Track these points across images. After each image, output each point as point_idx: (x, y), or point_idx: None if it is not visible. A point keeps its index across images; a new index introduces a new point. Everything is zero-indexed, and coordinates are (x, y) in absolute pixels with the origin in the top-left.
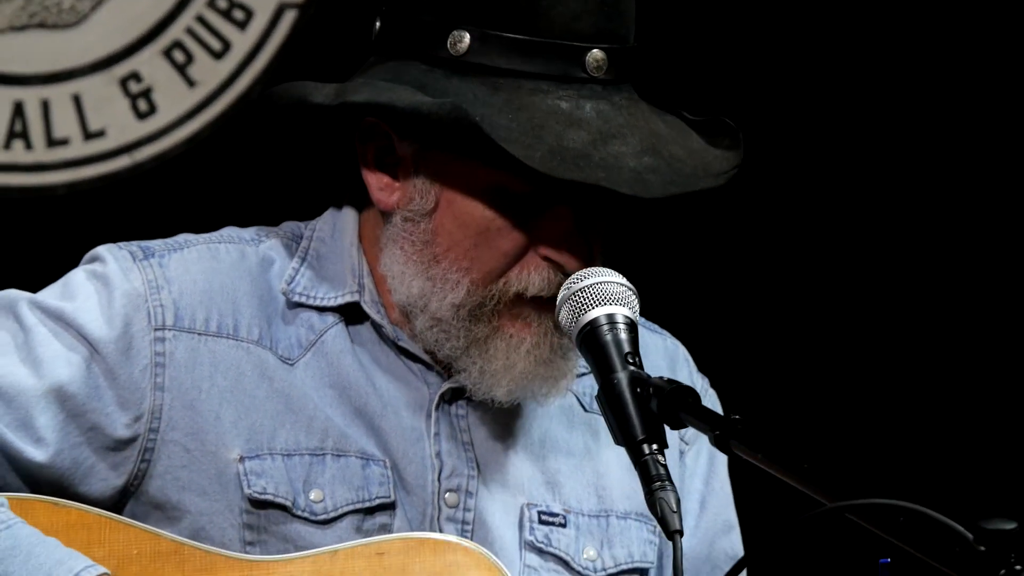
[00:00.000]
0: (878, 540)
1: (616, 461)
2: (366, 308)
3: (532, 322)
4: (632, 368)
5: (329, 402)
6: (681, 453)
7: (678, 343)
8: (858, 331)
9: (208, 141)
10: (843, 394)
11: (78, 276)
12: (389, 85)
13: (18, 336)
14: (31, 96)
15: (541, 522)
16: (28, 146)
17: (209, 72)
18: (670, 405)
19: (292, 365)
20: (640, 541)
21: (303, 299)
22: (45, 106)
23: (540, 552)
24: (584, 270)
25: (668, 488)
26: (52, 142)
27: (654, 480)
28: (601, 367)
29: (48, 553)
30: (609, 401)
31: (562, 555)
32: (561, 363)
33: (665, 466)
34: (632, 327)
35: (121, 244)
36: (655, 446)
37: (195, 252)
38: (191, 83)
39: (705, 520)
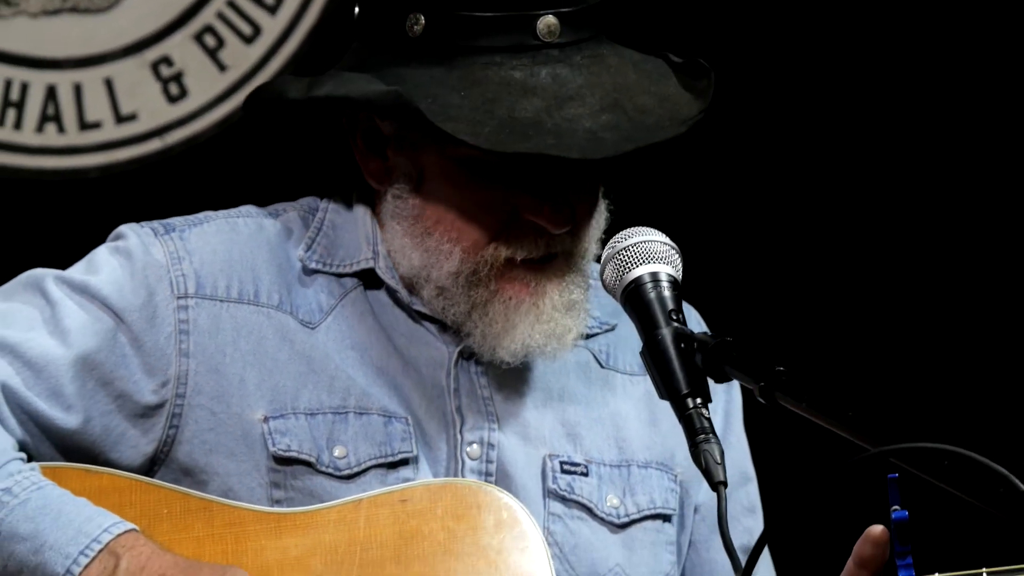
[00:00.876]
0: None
1: (634, 414)
2: (380, 274)
3: (529, 283)
4: (676, 324)
5: (351, 363)
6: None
7: (690, 308)
8: (887, 277)
9: (238, 125)
10: (877, 341)
11: (102, 252)
12: (350, 76)
13: (45, 310)
14: (64, 80)
15: (563, 471)
16: (61, 129)
17: (240, 56)
18: (714, 359)
19: (313, 329)
20: (661, 489)
21: (320, 266)
22: (77, 90)
23: (564, 500)
24: (627, 230)
25: (712, 441)
26: (84, 125)
27: (698, 433)
28: (645, 324)
29: (78, 511)
30: (653, 357)
31: (585, 502)
32: (563, 319)
33: (709, 419)
34: (675, 285)
35: (143, 223)
36: (699, 400)
37: (214, 225)
38: (222, 67)
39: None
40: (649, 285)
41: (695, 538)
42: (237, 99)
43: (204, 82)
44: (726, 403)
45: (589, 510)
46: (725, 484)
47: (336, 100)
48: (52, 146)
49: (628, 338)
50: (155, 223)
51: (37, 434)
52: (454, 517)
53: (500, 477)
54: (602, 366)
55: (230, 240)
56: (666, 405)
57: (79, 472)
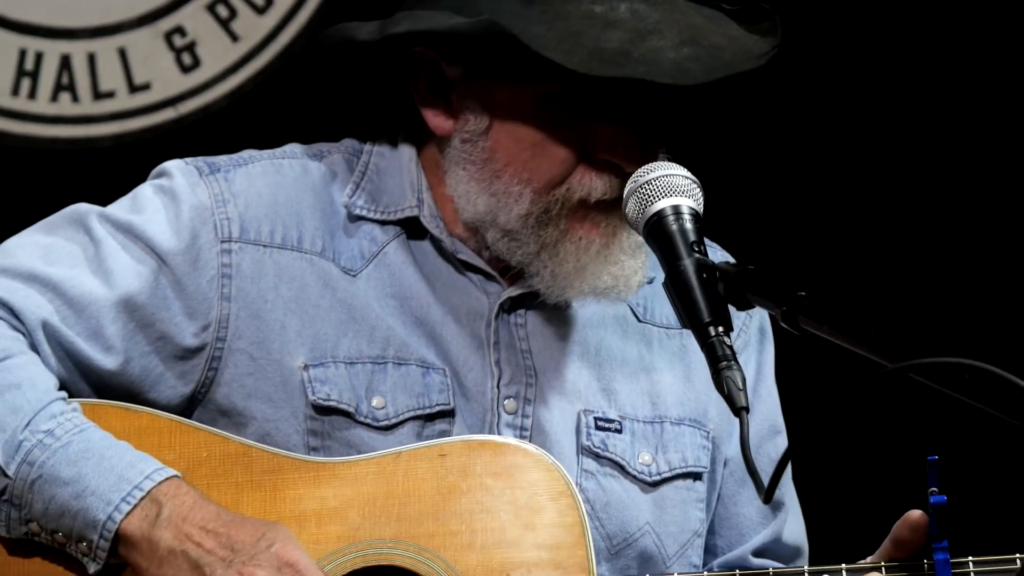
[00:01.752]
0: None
1: (668, 369)
2: (425, 223)
3: (600, 223)
4: (697, 255)
5: (391, 312)
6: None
7: (727, 255)
8: (902, 199)
9: (251, 95)
10: (892, 262)
11: (146, 190)
12: (427, 13)
13: (88, 248)
14: (78, 49)
15: (597, 428)
16: (75, 99)
17: (252, 27)
18: (736, 286)
19: (354, 276)
20: (694, 446)
21: (364, 212)
22: (91, 59)
23: (597, 456)
24: (650, 164)
25: (734, 367)
26: (98, 95)
27: (720, 360)
28: (667, 255)
29: (120, 456)
30: (676, 287)
31: (618, 459)
32: (630, 261)
33: (731, 347)
34: (697, 218)
35: (188, 160)
36: (721, 328)
37: (259, 167)
38: (234, 37)
39: (752, 426)
40: (671, 218)
41: (723, 492)
42: (250, 69)
43: (217, 52)
44: (758, 357)
45: (622, 467)
46: (747, 409)
47: (416, 35)
48: (66, 115)
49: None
50: (200, 161)
51: (75, 372)
52: (492, 475)
53: (535, 432)
54: (639, 319)
55: (275, 184)
56: (700, 360)
57: (119, 411)
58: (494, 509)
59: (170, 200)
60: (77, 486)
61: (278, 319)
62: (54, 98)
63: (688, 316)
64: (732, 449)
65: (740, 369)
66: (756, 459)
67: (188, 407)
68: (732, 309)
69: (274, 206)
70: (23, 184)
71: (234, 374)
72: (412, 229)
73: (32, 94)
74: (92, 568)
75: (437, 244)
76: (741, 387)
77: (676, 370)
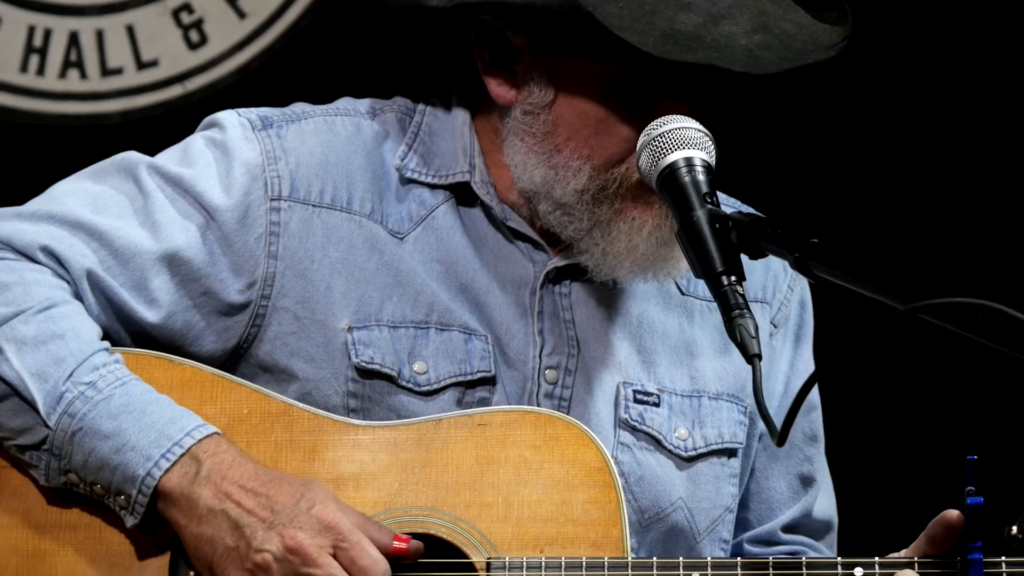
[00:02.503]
0: None
1: (709, 343)
2: (475, 188)
3: (654, 204)
4: (710, 206)
5: (436, 276)
6: (770, 335)
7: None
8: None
9: (258, 72)
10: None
11: (197, 142)
12: None
13: (136, 200)
14: (86, 26)
15: (636, 401)
16: (83, 75)
17: (259, 4)
18: (749, 235)
19: (402, 239)
20: (730, 422)
21: (415, 175)
22: (100, 36)
23: (633, 430)
24: (662, 118)
25: (747, 315)
26: (106, 71)
27: (733, 309)
28: (680, 206)
29: (161, 412)
30: (689, 237)
31: (654, 434)
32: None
33: (743, 295)
34: (709, 170)
35: (240, 111)
36: (733, 278)
37: (312, 124)
38: (241, 15)
39: (788, 400)
40: (684, 170)
41: (756, 466)
42: (256, 47)
43: (224, 29)
44: (797, 327)
45: (658, 442)
46: (760, 357)
47: (491, 5)
48: (74, 92)
49: None
50: (252, 114)
51: (118, 323)
52: (531, 447)
53: (575, 403)
54: (683, 292)
55: (328, 142)
56: None
57: (162, 362)
58: (531, 482)
59: (221, 154)
60: (117, 440)
61: (324, 280)
62: (62, 75)
63: (701, 266)
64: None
65: (752, 317)
66: (791, 437)
67: (229, 361)
68: (775, 281)
69: (325, 166)
70: (31, 160)
71: (277, 332)
72: (462, 194)
73: (40, 71)
74: (130, 522)
75: (486, 210)
76: (754, 335)
77: (716, 344)
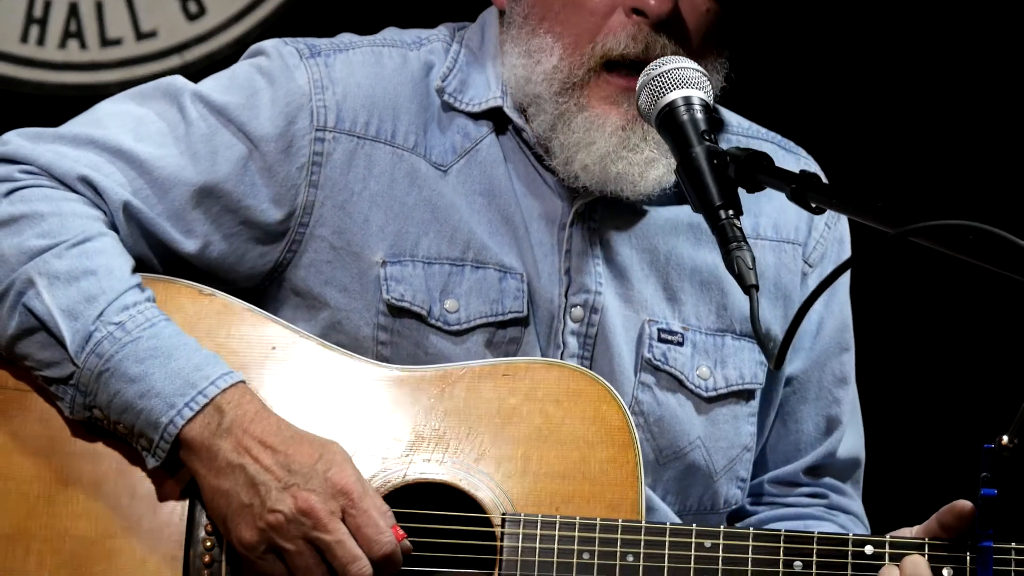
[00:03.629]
0: None
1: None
2: (508, 112)
3: (621, 105)
4: (708, 143)
5: (478, 209)
6: (804, 275)
7: (810, 159)
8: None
9: (255, 43)
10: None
11: (244, 70)
12: None
13: (179, 128)
14: None
15: (660, 340)
16: (83, 45)
17: None
18: (747, 169)
19: (445, 172)
20: (752, 363)
21: (453, 100)
22: (99, 7)
23: (656, 369)
24: (662, 58)
25: (744, 248)
26: (106, 42)
27: (731, 241)
28: (679, 144)
29: (187, 357)
30: (688, 173)
31: (676, 374)
32: (650, 152)
33: (740, 228)
34: (707, 108)
35: (287, 40)
36: (731, 211)
37: (360, 54)
38: None
39: (821, 341)
40: (682, 108)
41: (785, 410)
42: (254, 18)
43: (222, 0)
44: (835, 265)
45: (679, 382)
46: (757, 287)
47: None
48: (74, 62)
49: (743, 197)
50: (300, 43)
51: (153, 253)
52: (554, 402)
53: (599, 341)
54: None
55: (375, 74)
56: (770, 276)
57: (192, 292)
58: (551, 438)
59: (267, 83)
60: (143, 385)
61: (362, 212)
62: (62, 45)
63: (700, 200)
64: (795, 367)
65: (750, 249)
66: (821, 376)
67: (262, 284)
68: (810, 221)
69: (372, 97)
70: None
71: (313, 259)
72: (500, 125)
73: (41, 41)
74: (151, 463)
75: (521, 143)
76: (751, 266)
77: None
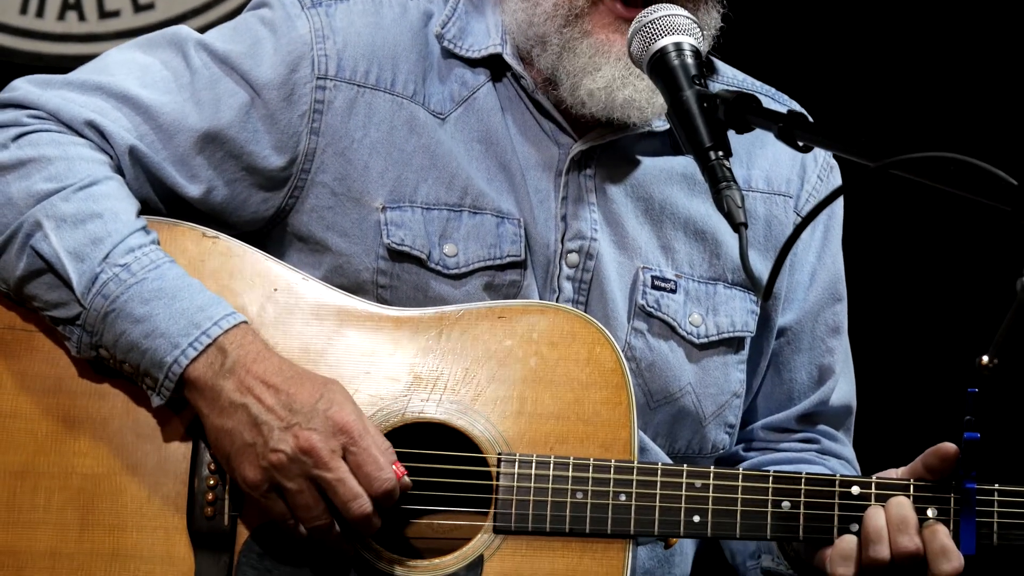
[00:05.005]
0: None
1: (731, 232)
2: (507, 59)
3: (624, 32)
4: (698, 87)
5: (476, 155)
6: (787, 236)
7: (803, 111)
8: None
9: None
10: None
11: (247, 20)
12: None
13: (183, 76)
14: None
15: (653, 287)
16: (81, 17)
17: None
18: (736, 110)
19: (443, 120)
20: (743, 311)
21: (452, 47)
22: None
23: (648, 316)
24: (653, 6)
25: (733, 187)
26: (104, 14)
27: (720, 181)
28: (670, 88)
29: (191, 298)
30: (679, 116)
31: (669, 320)
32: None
33: (730, 169)
34: (697, 54)
35: None
36: (720, 152)
37: (360, 4)
38: None
39: (813, 292)
40: (673, 54)
41: (778, 360)
42: None
43: None
44: (827, 218)
45: (672, 328)
46: (746, 225)
47: None
48: (73, 33)
49: (736, 152)
50: None
51: (158, 197)
52: (548, 343)
53: (594, 287)
54: None
55: (375, 24)
56: (761, 227)
57: (195, 234)
58: (546, 379)
59: (270, 32)
60: (147, 325)
61: (363, 159)
62: (61, 16)
63: (690, 142)
64: (787, 318)
65: (739, 189)
66: (814, 326)
67: (265, 228)
68: (802, 173)
69: (372, 46)
70: None
71: (314, 205)
72: (498, 72)
73: (40, 12)
74: (156, 402)
75: (519, 86)
76: (740, 205)
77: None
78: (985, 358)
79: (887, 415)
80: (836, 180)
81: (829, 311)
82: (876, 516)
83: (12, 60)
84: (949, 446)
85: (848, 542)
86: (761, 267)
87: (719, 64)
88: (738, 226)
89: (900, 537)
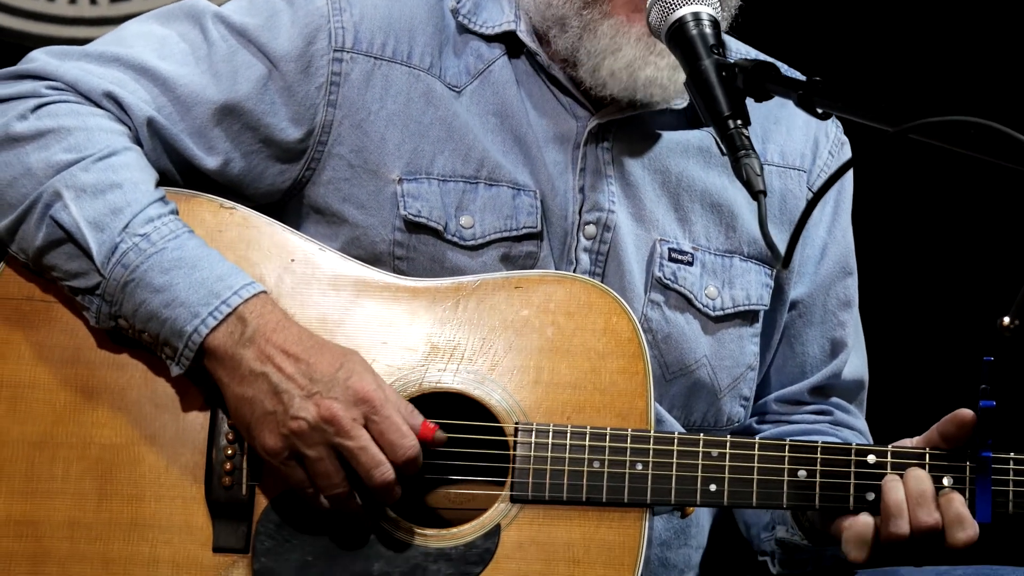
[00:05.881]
0: None
1: (747, 204)
2: (522, 36)
3: (644, 12)
4: (717, 56)
5: (491, 128)
6: (804, 207)
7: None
8: None
9: None
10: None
11: None
12: None
13: (201, 48)
14: None
15: (670, 259)
16: (93, 1)
17: None
18: (755, 79)
19: (459, 93)
20: (758, 284)
21: (467, 22)
22: None
23: (665, 288)
24: None
25: (752, 155)
26: None
27: (739, 149)
28: (689, 58)
29: (211, 268)
30: (697, 86)
31: (685, 292)
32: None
33: (748, 137)
34: (715, 24)
35: None
36: (739, 121)
37: None
38: None
39: (824, 266)
40: (691, 24)
41: (790, 333)
42: None
43: None
44: (837, 194)
45: (688, 300)
46: (765, 193)
47: None
48: (85, 17)
49: (751, 127)
50: None
51: (176, 169)
52: (565, 313)
53: (611, 259)
54: (723, 153)
55: None
56: (775, 201)
57: (213, 205)
58: (562, 349)
59: (287, 4)
60: (167, 295)
61: (379, 131)
62: (73, 0)
63: (709, 111)
64: (800, 291)
65: (758, 157)
66: (825, 300)
67: (282, 200)
68: (815, 149)
69: (388, 19)
70: None
71: (331, 177)
72: (513, 48)
73: None
74: (175, 371)
75: (534, 62)
76: (759, 173)
77: (754, 207)
78: (1007, 319)
79: (900, 389)
80: (847, 155)
81: (840, 285)
82: (895, 490)
83: (24, 43)
84: (966, 412)
85: (863, 524)
86: (776, 240)
87: (729, 40)
88: (757, 194)
89: (920, 511)
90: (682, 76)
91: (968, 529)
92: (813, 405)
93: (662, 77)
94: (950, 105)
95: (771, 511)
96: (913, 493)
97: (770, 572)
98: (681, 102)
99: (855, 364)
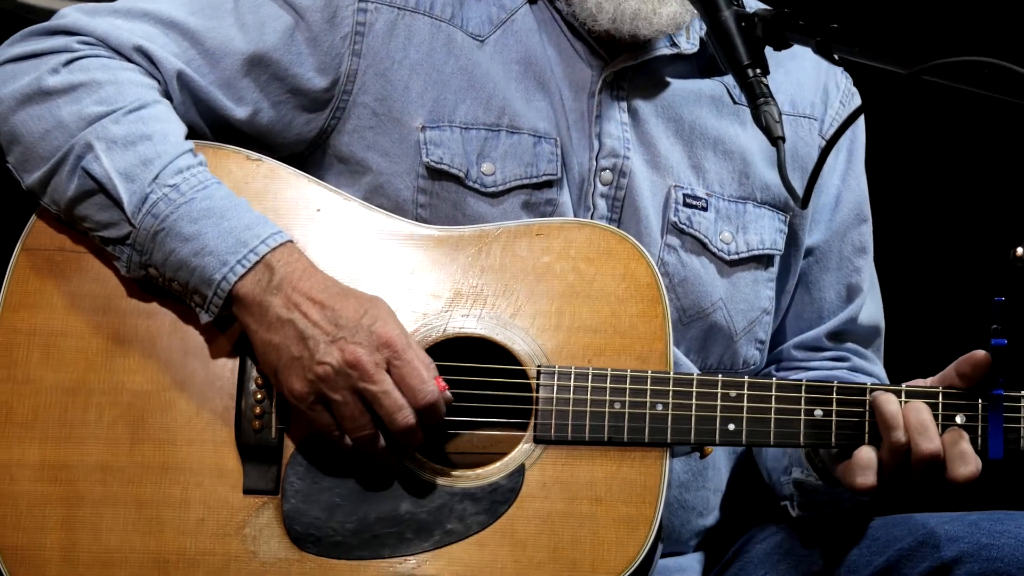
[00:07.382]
0: None
1: (759, 152)
2: None
3: None
4: (736, 7)
5: (514, 76)
6: (820, 149)
7: None
8: None
9: None
10: None
11: None
12: None
13: (227, 1)
14: None
15: (685, 204)
16: None
17: None
18: (774, 27)
19: (482, 42)
20: (772, 230)
21: None
22: None
23: (681, 232)
24: None
25: (771, 103)
26: None
27: (758, 97)
28: (709, 9)
29: (239, 217)
30: (717, 36)
31: (700, 237)
32: None
33: (767, 85)
34: None
35: None
36: (759, 70)
37: None
38: None
39: (840, 213)
40: None
41: (807, 279)
42: None
43: None
44: (850, 143)
45: (703, 245)
46: (783, 139)
47: None
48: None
49: None
50: None
51: (204, 121)
52: (585, 259)
53: (627, 204)
54: (735, 102)
55: None
56: (789, 148)
57: (240, 156)
58: (583, 294)
59: None
60: (196, 243)
61: (403, 80)
62: None
63: (729, 61)
64: (815, 237)
65: (776, 104)
66: (841, 246)
67: (307, 150)
68: (825, 97)
69: None
70: None
71: (356, 125)
72: None
73: None
74: (204, 319)
75: (554, 8)
76: (777, 119)
77: (766, 153)
78: (1020, 249)
79: (915, 334)
80: (856, 103)
81: (855, 231)
82: (889, 402)
83: (30, 16)
84: (981, 353)
85: (866, 450)
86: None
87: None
88: (776, 139)
89: (921, 439)
90: (667, 7)
91: (970, 464)
92: (831, 351)
93: (646, 9)
94: (959, 47)
95: (788, 455)
96: (913, 422)
97: (790, 516)
98: (690, 47)
99: (871, 310)
